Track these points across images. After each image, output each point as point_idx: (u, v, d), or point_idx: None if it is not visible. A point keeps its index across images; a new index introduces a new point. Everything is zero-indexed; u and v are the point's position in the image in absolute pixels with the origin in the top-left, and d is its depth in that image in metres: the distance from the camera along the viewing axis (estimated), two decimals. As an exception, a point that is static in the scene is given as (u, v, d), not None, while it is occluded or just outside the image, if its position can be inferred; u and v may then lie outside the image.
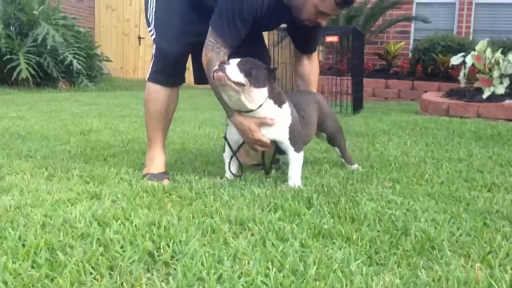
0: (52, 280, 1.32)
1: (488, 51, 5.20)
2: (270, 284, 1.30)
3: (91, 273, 1.37)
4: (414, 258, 1.50)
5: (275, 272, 1.35)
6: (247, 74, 2.15)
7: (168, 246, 1.53)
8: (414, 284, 1.32)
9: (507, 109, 4.70)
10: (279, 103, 2.30)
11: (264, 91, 2.23)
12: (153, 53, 2.56)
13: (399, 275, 1.38)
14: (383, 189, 2.29)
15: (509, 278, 1.35)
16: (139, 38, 13.16)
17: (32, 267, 1.40)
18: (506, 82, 5.06)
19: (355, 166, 2.76)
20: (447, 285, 1.31)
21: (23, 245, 1.53)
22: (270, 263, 1.42)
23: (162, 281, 1.33)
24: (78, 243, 1.56)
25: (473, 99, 5.12)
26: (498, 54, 5.15)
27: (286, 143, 2.33)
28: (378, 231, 1.73)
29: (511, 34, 8.76)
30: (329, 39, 5.44)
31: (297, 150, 2.34)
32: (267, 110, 2.26)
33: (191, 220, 1.80)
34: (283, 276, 1.34)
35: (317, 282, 1.30)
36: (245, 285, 1.29)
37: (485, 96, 5.02)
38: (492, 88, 5.04)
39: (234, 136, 2.40)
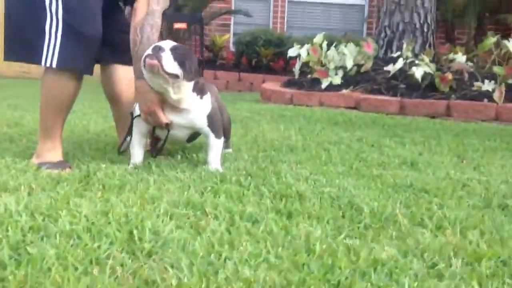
0: None
1: (325, 44, 5.61)
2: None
3: (76, 269, 1.19)
4: (390, 231, 1.58)
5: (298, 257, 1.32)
6: (181, 65, 2.07)
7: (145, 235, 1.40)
8: (412, 253, 1.40)
9: (346, 98, 5.13)
10: (201, 94, 2.26)
11: (191, 84, 2.17)
12: (56, 33, 2.16)
13: (391, 246, 1.44)
14: (296, 170, 2.35)
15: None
16: None
17: None
18: (340, 73, 5.52)
19: (230, 150, 2.77)
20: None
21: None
22: (266, 243, 1.39)
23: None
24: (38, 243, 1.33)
25: (312, 89, 5.48)
26: (332, 48, 5.59)
27: (206, 129, 2.29)
28: (332, 207, 1.78)
29: (319, 31, 9.48)
30: (177, 25, 5.35)
31: (218, 136, 2.32)
32: (188, 101, 2.20)
33: (151, 208, 1.66)
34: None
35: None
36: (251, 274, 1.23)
37: (323, 86, 5.41)
38: (329, 79, 5.44)
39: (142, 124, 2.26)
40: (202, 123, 2.28)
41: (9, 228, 1.38)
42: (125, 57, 2.29)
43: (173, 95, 2.14)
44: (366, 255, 1.33)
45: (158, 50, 2.02)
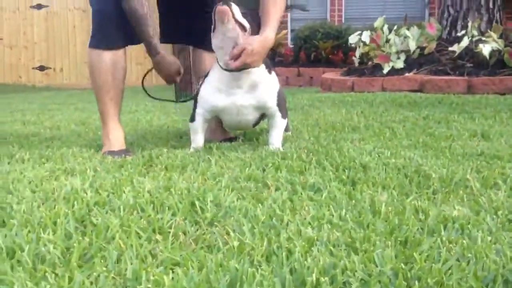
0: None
1: (385, 28, 5.48)
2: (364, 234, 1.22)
3: (140, 237, 1.20)
4: (460, 193, 1.51)
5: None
6: (246, 19, 2.08)
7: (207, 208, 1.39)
8: (485, 211, 1.32)
9: (410, 81, 4.98)
10: (269, 69, 2.23)
11: None
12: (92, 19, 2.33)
13: (462, 206, 1.37)
14: (360, 146, 2.29)
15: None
16: None
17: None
18: (402, 57, 5.37)
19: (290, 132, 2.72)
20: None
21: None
22: (329, 207, 1.35)
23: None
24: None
25: (374, 75, 5.36)
26: (393, 32, 5.45)
27: (274, 109, 2.25)
28: (398, 175, 1.72)
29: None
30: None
31: (283, 116, 2.29)
32: (258, 72, 2.16)
33: (213, 183, 1.66)
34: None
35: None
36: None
37: (385, 71, 5.28)
38: (391, 64, 5.31)
39: (211, 100, 2.22)
40: (272, 101, 2.23)
41: (75, 203, 1.40)
42: (207, 43, 2.28)
43: None
44: (435, 214, 1.27)
45: (226, 2, 2.03)
